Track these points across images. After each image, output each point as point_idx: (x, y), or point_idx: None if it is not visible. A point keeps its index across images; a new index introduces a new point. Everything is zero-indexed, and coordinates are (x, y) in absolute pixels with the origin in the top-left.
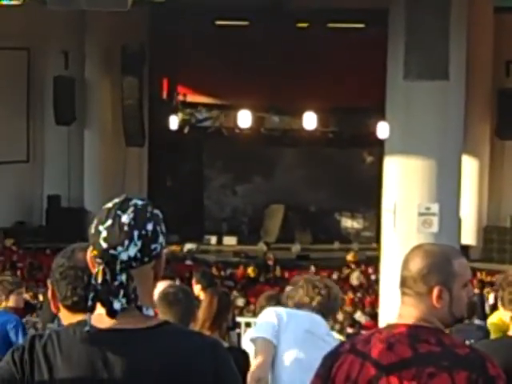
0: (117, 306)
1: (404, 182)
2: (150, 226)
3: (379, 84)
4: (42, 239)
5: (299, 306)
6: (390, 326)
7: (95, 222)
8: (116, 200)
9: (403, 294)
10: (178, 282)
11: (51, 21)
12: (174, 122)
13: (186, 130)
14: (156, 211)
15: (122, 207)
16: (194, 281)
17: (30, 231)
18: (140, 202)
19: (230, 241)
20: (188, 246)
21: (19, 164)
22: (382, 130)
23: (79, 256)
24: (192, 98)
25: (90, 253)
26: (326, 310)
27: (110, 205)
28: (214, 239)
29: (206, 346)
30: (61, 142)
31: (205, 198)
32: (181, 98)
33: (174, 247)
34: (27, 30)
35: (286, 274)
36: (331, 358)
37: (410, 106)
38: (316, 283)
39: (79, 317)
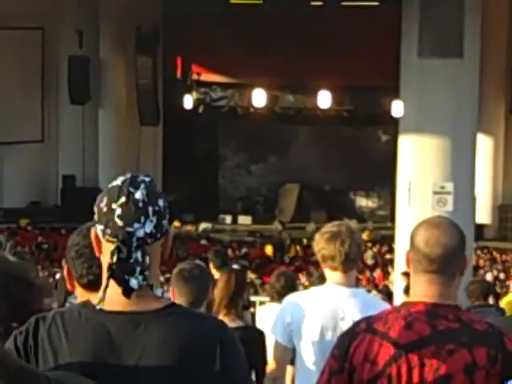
0: (133, 283)
1: (419, 160)
2: (161, 202)
3: (393, 62)
4: (56, 219)
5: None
6: (407, 304)
7: (106, 200)
8: (122, 178)
9: (425, 271)
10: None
11: (65, 0)
12: (188, 102)
13: (200, 110)
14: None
15: (133, 184)
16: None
17: (45, 211)
18: (147, 179)
19: (244, 220)
20: (203, 226)
21: (34, 144)
22: (397, 108)
23: None
24: (206, 77)
25: (100, 232)
26: None
27: (118, 182)
28: (228, 219)
29: (213, 329)
30: (75, 121)
31: (219, 178)
32: (195, 77)
33: (189, 227)
34: (41, 9)
35: (301, 254)
36: (347, 338)
37: (424, 84)
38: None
39: (95, 295)
